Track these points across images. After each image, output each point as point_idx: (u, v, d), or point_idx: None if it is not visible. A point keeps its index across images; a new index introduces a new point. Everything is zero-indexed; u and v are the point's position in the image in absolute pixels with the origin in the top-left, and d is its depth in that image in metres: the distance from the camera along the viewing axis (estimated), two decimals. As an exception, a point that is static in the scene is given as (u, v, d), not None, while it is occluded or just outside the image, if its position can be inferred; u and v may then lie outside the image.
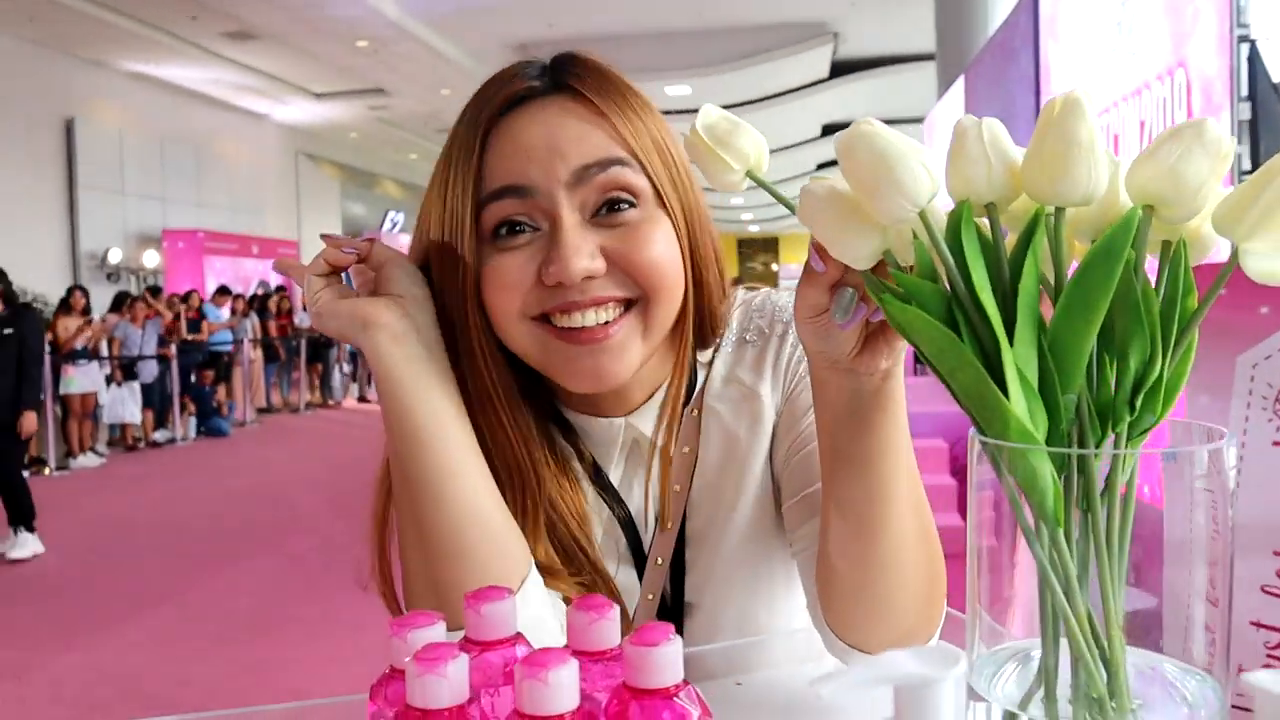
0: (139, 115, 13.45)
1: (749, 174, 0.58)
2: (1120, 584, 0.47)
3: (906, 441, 0.67)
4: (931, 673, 0.30)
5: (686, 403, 0.85)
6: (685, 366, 0.81)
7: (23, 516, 5.28)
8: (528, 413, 0.80)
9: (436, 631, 0.50)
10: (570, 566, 0.80)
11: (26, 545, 5.28)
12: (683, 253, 0.77)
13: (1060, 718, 0.47)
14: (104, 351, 9.03)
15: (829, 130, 15.99)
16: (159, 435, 9.70)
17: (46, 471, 7.86)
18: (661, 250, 0.74)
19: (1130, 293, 0.49)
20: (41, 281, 10.64)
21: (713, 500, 0.85)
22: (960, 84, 6.70)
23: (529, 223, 0.73)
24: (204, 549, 5.46)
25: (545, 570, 0.77)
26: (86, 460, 8.44)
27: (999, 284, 0.49)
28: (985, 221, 0.50)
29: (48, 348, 7.66)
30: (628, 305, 0.75)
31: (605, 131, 0.74)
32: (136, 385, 9.31)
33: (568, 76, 0.76)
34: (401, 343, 0.71)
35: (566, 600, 0.78)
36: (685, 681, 0.47)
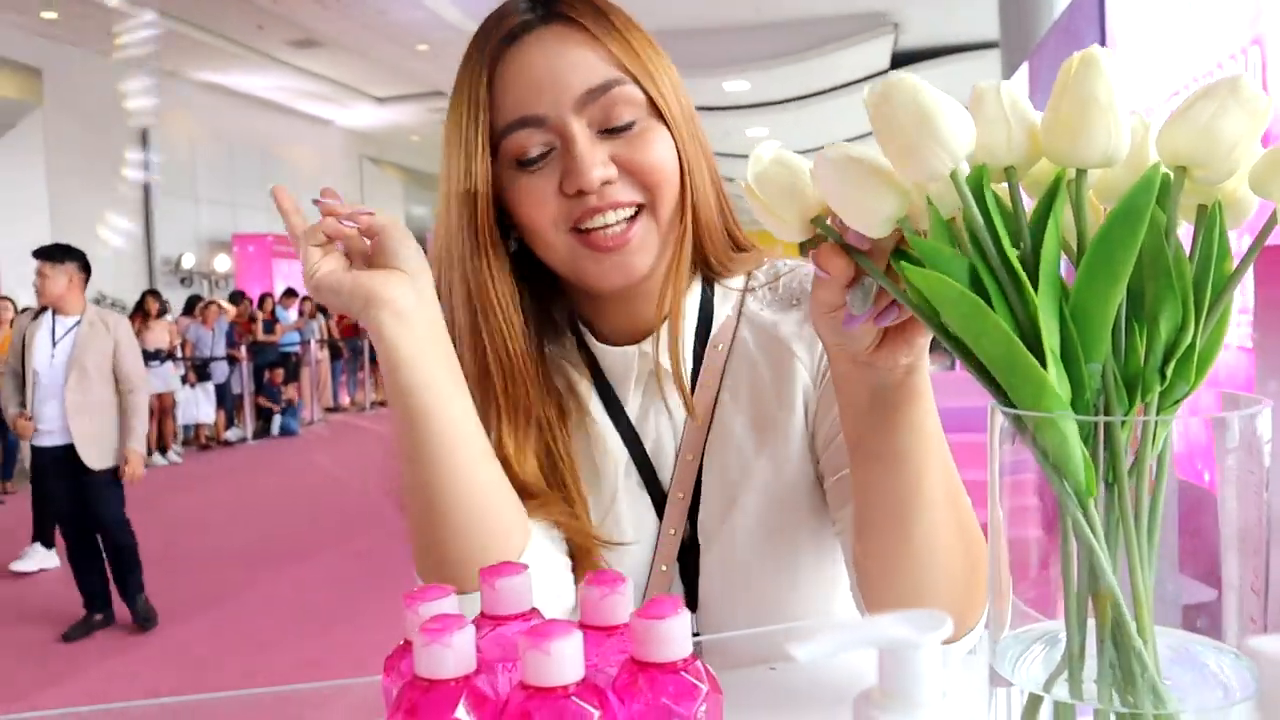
0: (209, 124, 13.84)
1: (814, 223, 0.55)
2: (1150, 561, 0.45)
3: (936, 436, 0.66)
4: (912, 636, 0.29)
5: (705, 337, 0.88)
6: (683, 262, 0.83)
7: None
8: (534, 326, 0.85)
9: (448, 604, 0.50)
10: (555, 487, 0.83)
11: (34, 557, 5.07)
12: (680, 162, 0.81)
13: (1086, 699, 0.45)
14: (178, 353, 9.32)
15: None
16: (230, 434, 9.97)
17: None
18: (662, 153, 0.80)
19: (1161, 257, 0.47)
20: (119, 287, 11.02)
21: (732, 440, 0.85)
22: (1024, 71, 6.53)
23: (545, 150, 0.79)
24: (275, 544, 5.59)
25: (527, 491, 0.80)
26: (159, 459, 8.71)
27: (1019, 250, 0.47)
28: (1005, 188, 0.48)
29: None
30: (638, 210, 0.81)
31: (600, 55, 0.80)
32: (210, 386, 9.60)
33: (560, 5, 0.81)
34: (404, 320, 0.71)
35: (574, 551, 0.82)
36: (694, 655, 0.46)
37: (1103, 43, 4.55)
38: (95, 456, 4.03)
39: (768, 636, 0.84)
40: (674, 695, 0.45)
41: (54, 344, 4.08)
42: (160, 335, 8.92)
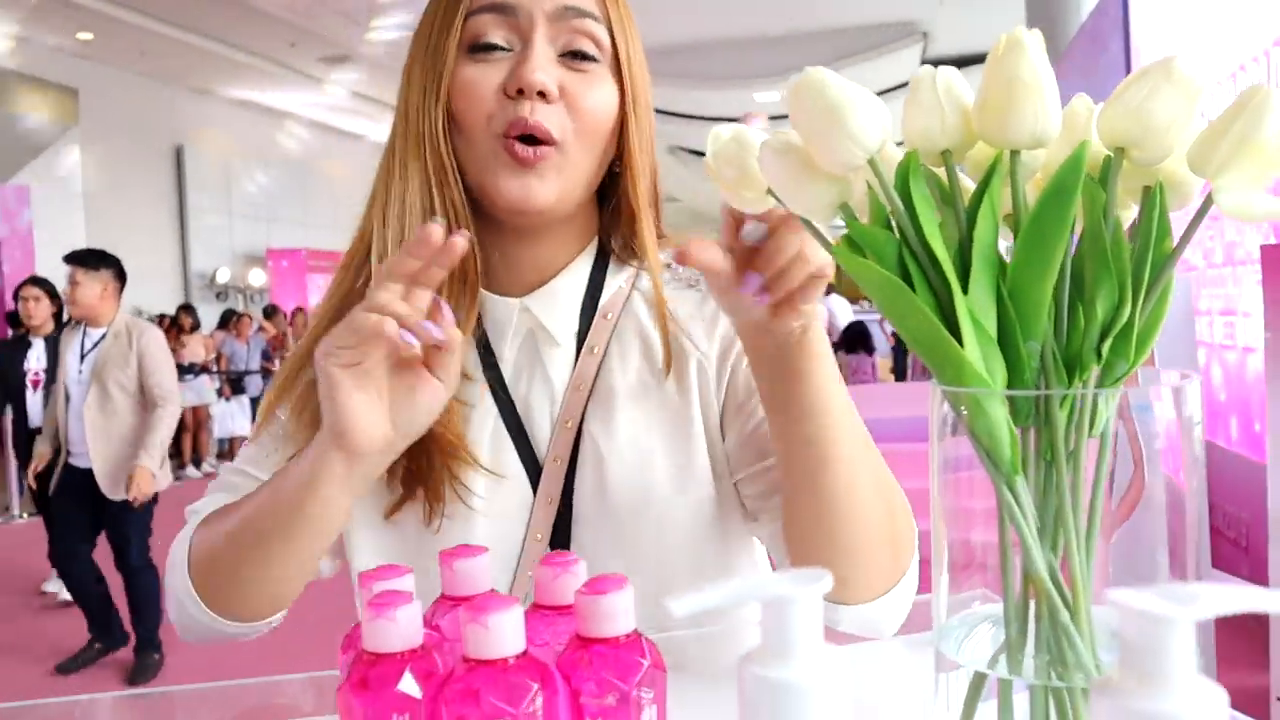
0: (243, 140, 14.09)
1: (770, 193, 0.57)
2: (1088, 539, 0.46)
3: (840, 393, 0.70)
4: (790, 590, 0.29)
5: (594, 305, 0.87)
6: (644, 220, 0.85)
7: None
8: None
9: (403, 583, 0.52)
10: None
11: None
12: (624, 122, 0.83)
13: (1025, 676, 0.46)
14: (213, 367, 9.47)
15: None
16: (264, 446, 10.09)
17: (159, 482, 8.23)
18: (605, 100, 0.81)
19: (1098, 237, 0.47)
20: (155, 301, 11.22)
21: (616, 409, 0.84)
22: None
23: (503, 45, 0.79)
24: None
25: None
26: (194, 472, 8.82)
27: (958, 232, 0.48)
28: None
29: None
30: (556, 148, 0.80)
31: None
32: (245, 399, 9.73)
33: None
34: (350, 473, 0.68)
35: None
36: (636, 632, 0.47)
37: (1127, 47, 4.50)
38: (111, 484, 3.58)
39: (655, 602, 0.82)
40: (616, 670, 0.46)
41: (81, 358, 3.69)
42: (195, 349, 9.08)
